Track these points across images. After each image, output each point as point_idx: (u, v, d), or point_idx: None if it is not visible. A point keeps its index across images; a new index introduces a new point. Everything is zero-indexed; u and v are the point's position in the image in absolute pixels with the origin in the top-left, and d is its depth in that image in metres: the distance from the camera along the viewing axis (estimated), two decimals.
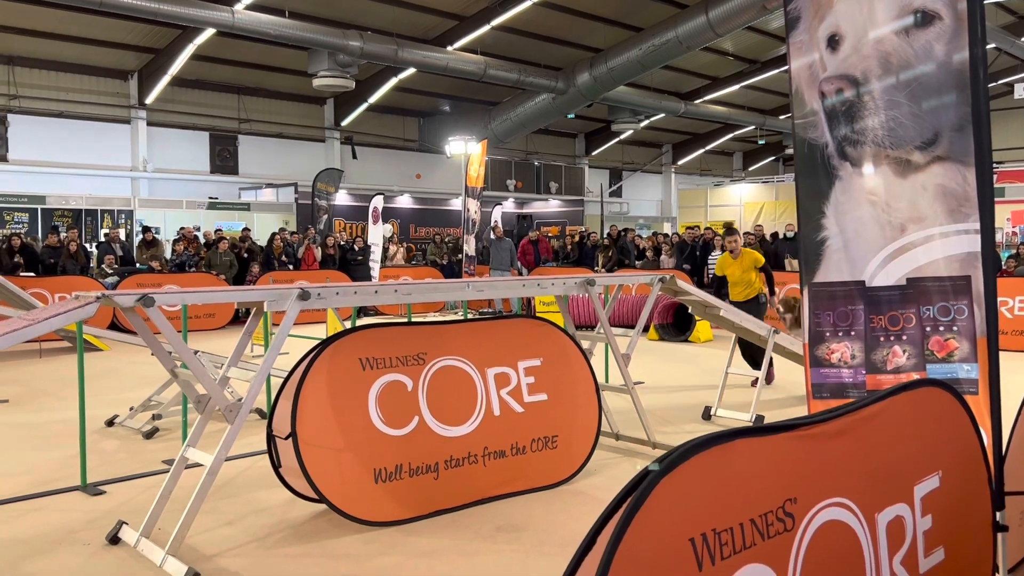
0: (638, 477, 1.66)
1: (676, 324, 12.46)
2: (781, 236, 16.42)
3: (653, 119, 27.61)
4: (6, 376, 8.77)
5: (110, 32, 18.37)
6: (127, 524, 4.19)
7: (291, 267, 16.01)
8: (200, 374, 4.00)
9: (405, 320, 7.57)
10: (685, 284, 6.66)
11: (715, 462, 1.87)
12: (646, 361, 9.88)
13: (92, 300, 3.69)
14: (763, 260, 8.35)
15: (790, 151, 32.95)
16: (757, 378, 7.21)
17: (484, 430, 4.81)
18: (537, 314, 11.78)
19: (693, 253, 15.56)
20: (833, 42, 3.63)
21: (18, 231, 15.77)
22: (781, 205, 26.77)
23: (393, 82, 22.27)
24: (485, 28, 19.61)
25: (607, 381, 7.43)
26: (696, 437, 1.86)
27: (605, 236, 19.12)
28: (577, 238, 19.29)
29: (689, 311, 11.16)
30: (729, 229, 9.60)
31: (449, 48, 19.89)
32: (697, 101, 26.37)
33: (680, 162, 33.96)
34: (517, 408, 4.98)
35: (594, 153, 31.17)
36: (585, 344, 5.65)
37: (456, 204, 25.81)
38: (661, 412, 7.06)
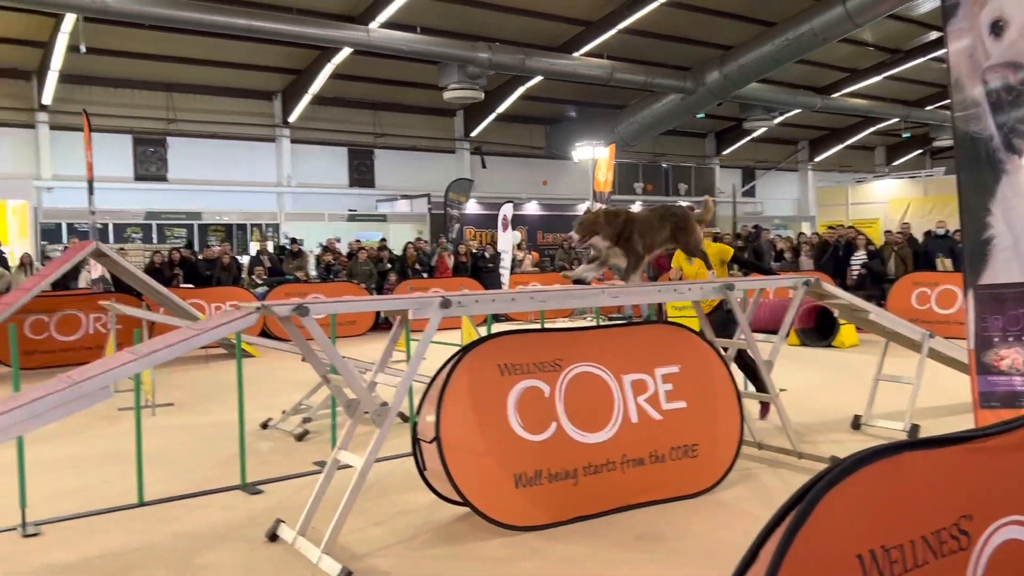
0: (805, 487, 1.61)
1: (818, 328, 11.96)
2: (932, 234, 15.44)
3: (788, 115, 26.64)
4: (172, 381, 9.44)
5: (256, 56, 19.51)
6: (284, 522, 4.42)
7: (425, 275, 16.46)
8: (350, 379, 4.18)
9: (539, 327, 7.62)
10: (831, 287, 6.39)
11: (883, 475, 1.78)
12: (788, 367, 9.52)
13: (253, 311, 3.92)
14: (731, 253, 6.75)
15: (939, 144, 30.98)
16: (910, 385, 6.65)
17: (622, 437, 4.78)
18: (669, 319, 11.59)
19: (836, 253, 14.89)
20: (996, 28, 3.39)
21: (178, 245, 16.98)
22: (930, 201, 25.17)
23: (520, 91, 22.53)
24: (611, 32, 19.53)
25: (746, 388, 7.22)
26: (862, 450, 1.78)
27: (738, 237, 18.60)
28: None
29: (835, 315, 10.69)
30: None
31: (575, 54, 19.93)
32: (835, 95, 25.23)
33: (817, 159, 32.61)
34: (655, 415, 4.92)
35: (725, 152, 30.40)
36: (723, 350, 5.51)
37: (583, 209, 25.79)
38: (806, 421, 6.78)
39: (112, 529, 4.68)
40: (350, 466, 4.30)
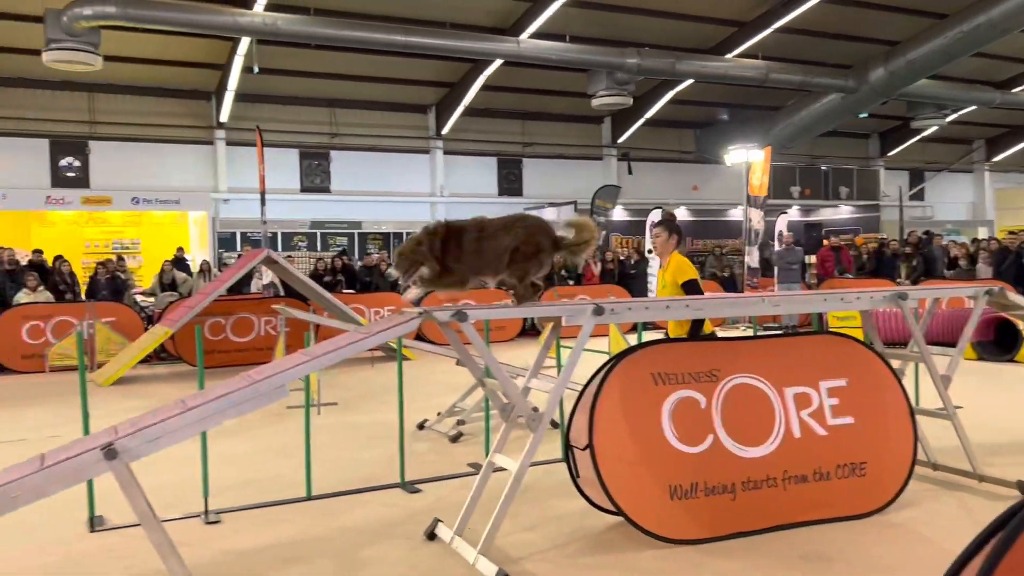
0: (1009, 512, 1.48)
1: (997, 342, 11.04)
2: None
3: (961, 112, 24.78)
4: (336, 382, 9.94)
5: (412, 71, 20.26)
6: (442, 522, 4.54)
7: (571, 282, 16.49)
8: (506, 384, 4.24)
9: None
10: (1016, 296, 5.88)
11: None
12: (965, 383, 8.84)
13: (415, 316, 4.06)
14: (692, 274, 5.58)
15: None
16: None
17: (783, 452, 4.59)
18: (830, 329, 11.03)
19: (1018, 260, 13.71)
20: None
21: (337, 253, 17.90)
22: None
23: (670, 95, 22.18)
24: (766, 32, 18.88)
25: (918, 404, 6.75)
26: None
27: (905, 243, 17.47)
28: (875, 246, 17.82)
29: (1018, 327, 9.84)
30: (663, 219, 6.29)
31: (728, 56, 19.41)
32: (1016, 90, 23.25)
33: (996, 159, 30.12)
34: (820, 431, 4.69)
35: (890, 154, 28.65)
36: (895, 364, 5.18)
37: (735, 215, 25.02)
38: (985, 441, 6.27)
39: (283, 520, 4.97)
40: (504, 469, 4.36)
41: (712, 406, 4.52)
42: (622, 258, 17.72)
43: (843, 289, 7.45)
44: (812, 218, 26.66)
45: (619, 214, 23.27)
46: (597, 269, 16.85)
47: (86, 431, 4.76)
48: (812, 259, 18.12)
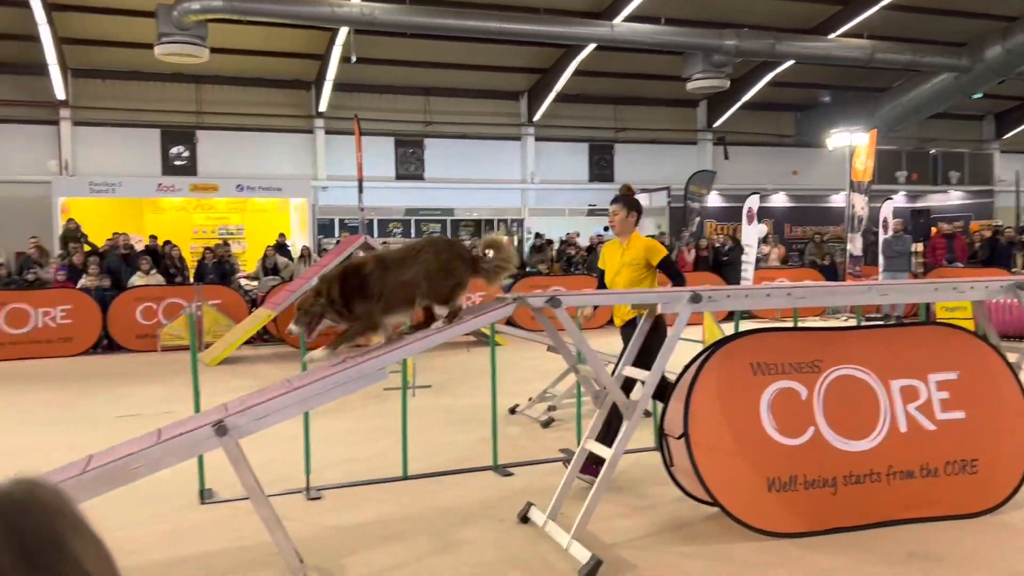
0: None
1: None
2: None
3: None
4: (430, 365, 10.12)
5: (505, 58, 20.32)
6: (535, 505, 4.58)
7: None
8: (600, 371, 4.23)
9: (791, 325, 7.25)
10: None
11: None
12: None
13: (510, 302, 4.09)
14: (663, 253, 5.18)
15: None
16: None
17: (888, 447, 4.42)
18: (937, 320, 10.54)
19: None
20: None
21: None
22: None
23: (769, 77, 21.54)
24: (872, 10, 18.08)
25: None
26: None
27: (1022, 231, 16.50)
28: (989, 234, 16.90)
29: None
30: (620, 194, 5.46)
31: (831, 36, 18.69)
32: None
33: None
34: (928, 426, 4.50)
35: (1007, 136, 27.04)
36: (1011, 357, 4.92)
37: (836, 200, 24.17)
38: None
39: (381, 498, 5.10)
40: (597, 455, 4.36)
41: (813, 397, 4.39)
42: (716, 245, 17.36)
43: (955, 278, 7.08)
44: (919, 204, 25.48)
45: (714, 200, 22.81)
46: (691, 256, 16.57)
47: (197, 408, 5.00)
48: (918, 247, 17.33)
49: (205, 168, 19.99)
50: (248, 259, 18.88)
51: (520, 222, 22.24)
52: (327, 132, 20.95)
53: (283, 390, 3.81)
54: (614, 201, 5.36)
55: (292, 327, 4.13)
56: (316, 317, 4.06)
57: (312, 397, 3.69)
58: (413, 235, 21.07)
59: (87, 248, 14.26)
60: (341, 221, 20.77)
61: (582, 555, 3.89)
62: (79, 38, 17.90)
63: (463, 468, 5.71)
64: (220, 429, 3.50)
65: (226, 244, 15.99)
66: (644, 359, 4.52)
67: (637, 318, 4.88)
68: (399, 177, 21.72)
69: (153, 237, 15.58)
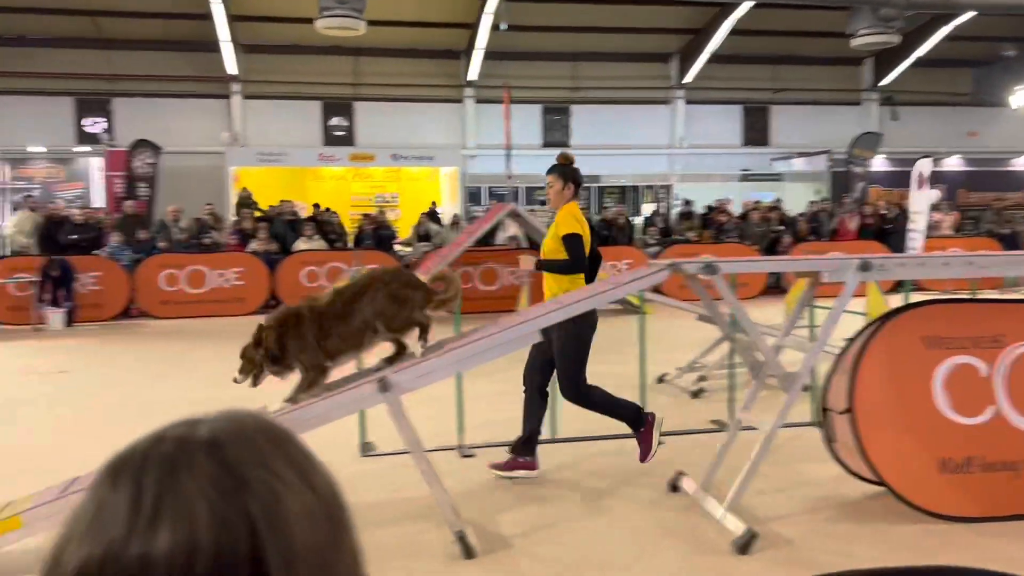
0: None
1: None
2: None
3: None
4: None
5: (655, 19, 19.83)
6: (686, 475, 4.52)
7: (813, 238, 15.52)
8: (758, 342, 4.10)
9: (969, 296, 6.74)
10: None
11: None
12: None
13: (663, 268, 4.02)
14: (574, 228, 4.72)
15: None
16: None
17: None
18: None
19: None
20: None
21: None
22: None
23: (944, 31, 19.89)
24: None
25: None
26: None
27: None
28: None
29: None
30: (556, 164, 5.04)
31: None
32: None
33: None
34: None
35: None
36: None
37: (1020, 164, 22.15)
38: None
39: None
40: (752, 428, 4.24)
41: (994, 375, 4.07)
42: (883, 212, 16.34)
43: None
44: None
45: (880, 164, 21.45)
46: (853, 224, 15.68)
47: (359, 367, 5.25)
48: None
49: (362, 138, 20.80)
50: (402, 226, 19.56)
51: (668, 188, 21.79)
52: (477, 101, 21.24)
53: (441, 351, 3.93)
54: (549, 171, 4.97)
55: (236, 376, 3.96)
56: (258, 366, 3.93)
57: (469, 358, 3.79)
58: None
59: (257, 214, 15.20)
60: (489, 189, 21.08)
61: (736, 527, 3.81)
62: (248, 15, 18.96)
63: (611, 434, 5.70)
64: (383, 386, 3.66)
65: (382, 212, 16.60)
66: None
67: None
68: (546, 144, 21.74)
69: (316, 205, 16.40)
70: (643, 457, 4.61)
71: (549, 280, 4.80)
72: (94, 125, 19.84)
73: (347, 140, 20.81)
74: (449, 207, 20.03)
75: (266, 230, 14.09)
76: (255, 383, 3.96)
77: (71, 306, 12.00)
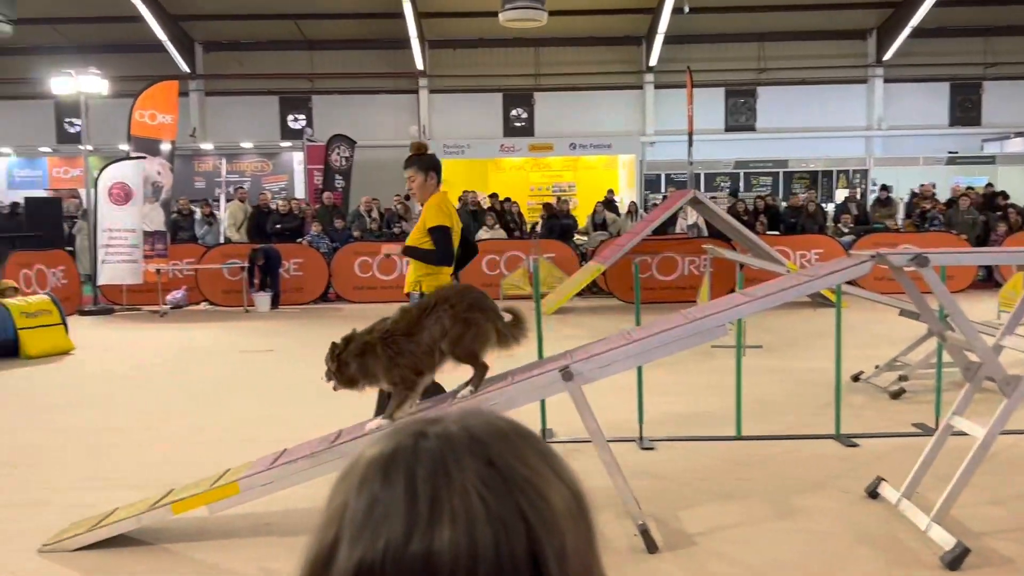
0: None
1: None
2: None
3: None
4: (761, 324, 9.76)
5: None
6: (885, 481, 4.22)
7: None
8: (974, 340, 3.75)
9: None
10: None
11: None
12: None
13: (867, 259, 3.77)
14: (441, 220, 4.55)
15: None
16: None
17: None
18: None
19: None
20: None
21: (763, 193, 17.40)
22: None
23: None
24: None
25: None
26: None
27: None
28: None
29: None
30: (411, 156, 4.78)
31: None
32: None
33: None
34: None
35: None
36: None
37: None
38: None
39: (711, 455, 5.06)
40: (964, 434, 3.89)
41: None
42: None
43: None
44: None
45: None
46: None
47: (540, 355, 5.32)
48: None
49: (541, 128, 21.05)
50: (579, 215, 19.63)
51: (864, 173, 20.44)
52: (656, 87, 20.90)
53: (623, 342, 3.90)
54: (407, 166, 4.73)
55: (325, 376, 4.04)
56: (334, 374, 4.00)
57: (653, 349, 3.73)
58: (742, 189, 20.35)
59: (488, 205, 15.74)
60: (667, 176, 20.71)
61: (944, 540, 3.51)
62: (436, 11, 19.68)
63: (800, 434, 5.45)
64: (566, 374, 3.68)
65: (560, 201, 16.71)
66: None
67: (411, 293, 4.65)
68: (728, 129, 21.07)
69: (493, 195, 16.73)
70: None
71: (411, 269, 4.73)
72: (296, 121, 21.38)
73: (527, 130, 21.14)
74: (626, 195, 19.86)
75: None
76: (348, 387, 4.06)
77: (276, 290, 13.01)
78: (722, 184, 20.70)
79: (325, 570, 0.56)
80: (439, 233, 4.55)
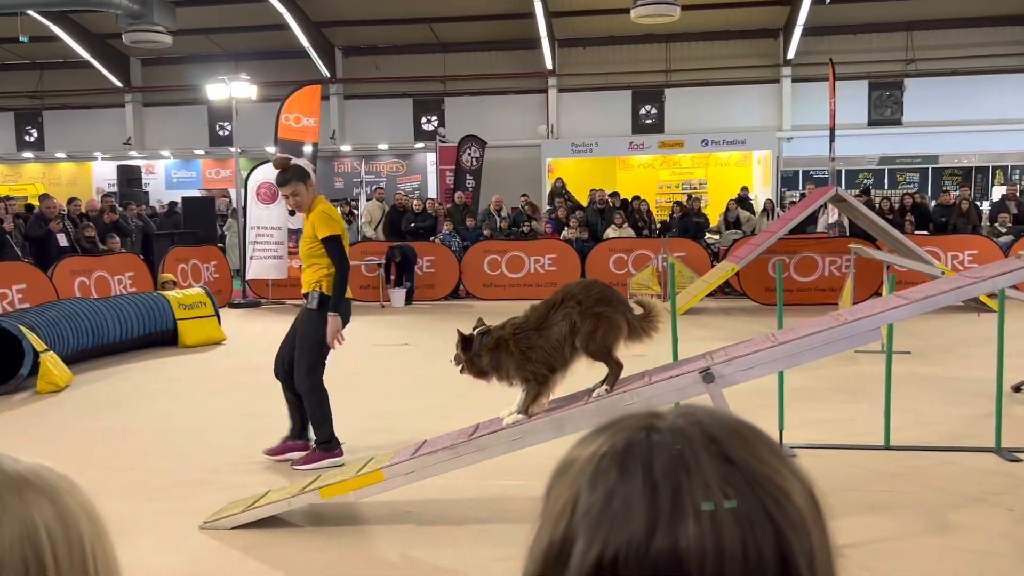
0: None
1: None
2: None
3: None
4: (909, 329, 9.24)
5: None
6: None
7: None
8: None
9: None
10: None
11: None
12: None
13: None
14: (336, 229, 4.73)
15: None
16: None
17: None
18: None
19: None
20: None
21: (910, 190, 16.46)
22: None
23: None
24: None
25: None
26: None
27: None
28: None
29: None
30: (280, 173, 4.80)
31: None
32: None
33: None
34: None
35: None
36: None
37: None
38: None
39: (858, 464, 4.83)
40: None
41: None
42: None
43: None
44: None
45: None
46: None
47: (675, 356, 5.23)
48: None
49: (672, 125, 20.72)
50: (710, 213, 19.20)
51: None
52: (793, 80, 20.16)
53: (767, 344, 3.78)
54: (284, 184, 4.74)
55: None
56: (466, 364, 4.04)
57: (801, 353, 3.60)
58: (886, 186, 19.31)
59: (569, 204, 15.78)
60: (805, 173, 19.93)
61: None
62: (566, 11, 19.71)
63: (955, 446, 5.11)
64: (707, 376, 3.60)
65: (691, 199, 16.37)
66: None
67: (310, 293, 4.74)
68: (872, 123, 20.04)
69: (613, 193, 16.42)
70: (297, 462, 4.80)
71: (311, 271, 4.80)
72: (428, 123, 21.93)
73: (656, 128, 20.85)
74: (761, 192, 19.25)
75: (577, 218, 14.58)
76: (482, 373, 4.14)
77: (411, 286, 13.40)
78: (864, 180, 19.72)
79: (558, 566, 0.55)
80: (334, 244, 4.70)
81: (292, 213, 5.10)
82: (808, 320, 4.06)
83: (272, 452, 5.03)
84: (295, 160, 4.97)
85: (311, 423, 4.86)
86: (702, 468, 0.56)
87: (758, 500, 0.55)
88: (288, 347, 4.95)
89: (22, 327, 7.16)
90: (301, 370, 4.77)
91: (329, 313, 4.71)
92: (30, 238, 11.00)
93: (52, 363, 7.16)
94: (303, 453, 4.93)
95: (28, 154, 23.60)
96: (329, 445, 4.81)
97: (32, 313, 7.91)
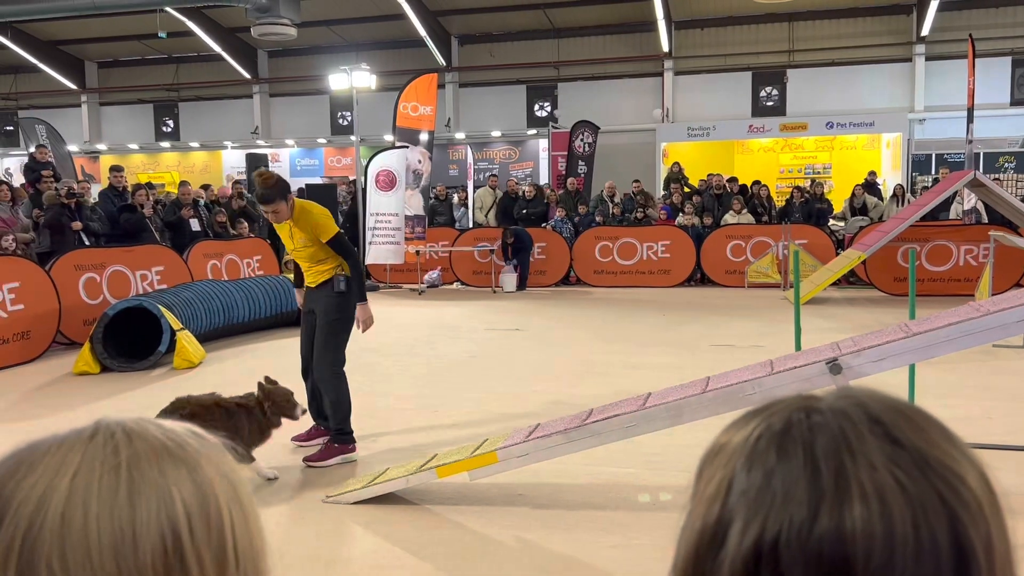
0: None
1: None
2: None
3: None
4: None
5: None
6: None
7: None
8: None
9: None
10: None
11: None
12: None
13: None
14: (334, 226, 4.78)
15: None
16: None
17: None
18: None
19: None
20: None
21: None
22: None
23: None
24: None
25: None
26: None
27: None
28: None
29: None
30: (260, 192, 4.66)
31: None
32: None
33: None
34: None
35: None
36: None
37: None
38: None
39: (1003, 466, 4.49)
40: None
41: None
42: None
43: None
44: None
45: None
46: None
47: (798, 345, 5.05)
48: None
49: (794, 107, 19.96)
50: (835, 199, 18.40)
51: None
52: (927, 59, 19.01)
53: (900, 334, 3.58)
54: (266, 201, 4.60)
55: None
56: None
57: (937, 345, 3.39)
58: None
59: (686, 189, 15.46)
60: (939, 156, 18.78)
61: None
62: None
63: None
64: (834, 367, 3.45)
65: (819, 184, 15.67)
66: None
67: (334, 278, 4.75)
68: (1014, 103, 18.67)
69: (731, 179, 15.92)
70: (311, 458, 4.72)
71: (326, 265, 4.79)
72: (542, 109, 21.93)
73: (778, 110, 20.13)
74: (890, 177, 18.29)
75: (692, 204, 14.27)
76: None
77: (525, 272, 13.48)
78: (1005, 164, 18.42)
79: (713, 548, 0.54)
80: (340, 239, 4.77)
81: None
82: (944, 311, 3.82)
83: (300, 439, 5.10)
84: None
85: (330, 410, 4.79)
86: (867, 449, 0.53)
87: (929, 483, 0.51)
88: (308, 345, 4.96)
89: (161, 307, 7.62)
90: (327, 357, 4.75)
91: (359, 303, 4.79)
92: (167, 223, 11.68)
93: (187, 341, 7.59)
94: (321, 441, 4.95)
95: (165, 144, 25.06)
96: (346, 437, 4.77)
97: (169, 293, 8.40)
